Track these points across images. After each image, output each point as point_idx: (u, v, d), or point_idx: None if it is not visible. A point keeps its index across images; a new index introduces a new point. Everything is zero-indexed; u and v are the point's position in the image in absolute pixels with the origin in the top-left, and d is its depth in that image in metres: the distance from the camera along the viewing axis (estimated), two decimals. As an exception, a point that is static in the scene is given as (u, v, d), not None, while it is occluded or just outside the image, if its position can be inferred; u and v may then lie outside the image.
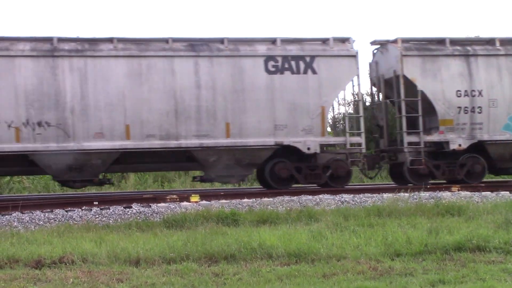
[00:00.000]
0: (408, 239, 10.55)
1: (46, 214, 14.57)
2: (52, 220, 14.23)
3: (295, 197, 16.45)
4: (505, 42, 20.02)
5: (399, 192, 16.12)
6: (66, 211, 14.90)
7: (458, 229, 11.45)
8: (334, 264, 9.37)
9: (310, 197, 16.51)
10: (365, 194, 17.04)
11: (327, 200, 16.17)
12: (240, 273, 9.04)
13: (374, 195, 16.86)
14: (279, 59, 18.40)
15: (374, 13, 57.38)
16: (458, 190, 17.66)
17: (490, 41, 20.02)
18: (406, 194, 16.10)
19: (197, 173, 21.50)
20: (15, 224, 13.92)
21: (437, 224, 12.10)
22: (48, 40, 17.44)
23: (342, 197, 16.55)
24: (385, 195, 16.54)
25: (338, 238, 11.02)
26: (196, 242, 10.66)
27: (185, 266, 9.36)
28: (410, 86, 19.15)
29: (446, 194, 16.87)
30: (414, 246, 10.15)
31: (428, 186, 18.22)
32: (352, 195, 16.82)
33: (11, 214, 14.52)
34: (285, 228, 12.27)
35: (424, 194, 16.70)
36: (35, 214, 14.56)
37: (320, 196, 16.64)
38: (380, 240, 10.67)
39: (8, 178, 23.08)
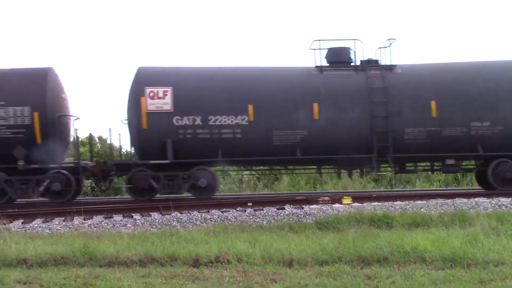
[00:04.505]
0: None
1: (203, 215, 15.16)
2: (209, 220, 14.78)
3: (449, 200, 16.08)
4: None
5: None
6: (222, 212, 15.42)
7: None
8: (492, 270, 9.08)
9: (465, 200, 16.10)
10: (526, 197, 16.34)
11: (484, 204, 15.67)
12: (393, 276, 8.98)
13: (538, 199, 16.11)
14: None
15: None
16: None
17: None
18: None
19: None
20: (174, 223, 14.60)
21: None
22: None
23: (499, 200, 15.97)
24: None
25: (494, 242, 10.66)
26: (348, 244, 10.69)
27: (337, 268, 9.43)
28: None
29: None
30: None
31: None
32: (510, 198, 16.19)
33: (171, 214, 15.25)
34: (438, 232, 12.03)
35: None
36: (192, 214, 15.19)
37: (476, 199, 16.16)
38: (542, 246, 10.23)
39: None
